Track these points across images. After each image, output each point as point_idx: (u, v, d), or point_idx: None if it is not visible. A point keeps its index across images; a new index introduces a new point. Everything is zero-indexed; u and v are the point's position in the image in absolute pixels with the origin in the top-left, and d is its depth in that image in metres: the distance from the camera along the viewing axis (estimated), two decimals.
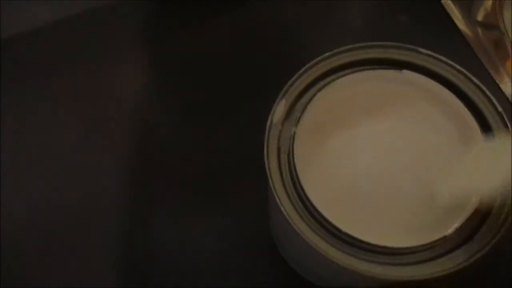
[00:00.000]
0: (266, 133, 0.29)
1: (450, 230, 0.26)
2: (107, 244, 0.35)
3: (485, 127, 0.29)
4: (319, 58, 0.30)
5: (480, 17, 0.42)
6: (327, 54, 0.30)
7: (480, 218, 0.27)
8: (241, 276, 0.35)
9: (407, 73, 0.29)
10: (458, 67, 0.29)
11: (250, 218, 0.36)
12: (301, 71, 0.30)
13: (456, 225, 0.27)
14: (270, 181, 0.28)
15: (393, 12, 0.42)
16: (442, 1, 0.42)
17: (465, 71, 0.29)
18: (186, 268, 0.35)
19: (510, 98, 0.38)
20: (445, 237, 0.26)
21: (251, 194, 0.35)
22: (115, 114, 0.39)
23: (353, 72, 0.30)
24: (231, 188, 0.37)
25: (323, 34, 0.41)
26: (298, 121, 0.29)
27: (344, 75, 0.30)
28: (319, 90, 0.29)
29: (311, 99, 0.29)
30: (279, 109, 0.29)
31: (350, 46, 0.30)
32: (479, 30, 0.41)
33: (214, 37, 0.42)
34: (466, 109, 0.29)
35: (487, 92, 0.29)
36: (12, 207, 0.36)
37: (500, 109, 0.29)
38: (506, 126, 0.29)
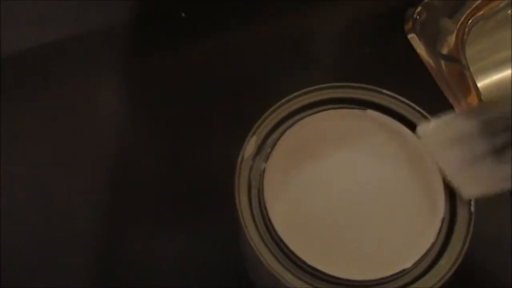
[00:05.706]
0: (237, 168, 0.30)
1: (409, 263, 0.28)
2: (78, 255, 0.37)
3: None
4: (288, 97, 0.31)
5: (444, 51, 0.44)
6: (295, 93, 0.31)
7: (438, 251, 0.29)
8: None
9: (370, 112, 0.31)
10: (416, 107, 0.31)
11: (222, 240, 0.37)
12: (271, 109, 0.31)
13: (415, 258, 0.28)
14: (239, 214, 0.29)
15: (359, 45, 0.44)
16: (409, 36, 0.44)
17: (422, 111, 0.31)
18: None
19: None
20: (404, 270, 0.28)
21: (225, 217, 0.36)
22: (93, 132, 0.41)
23: (320, 111, 0.31)
24: (205, 210, 0.38)
25: (293, 65, 0.43)
26: (268, 157, 0.30)
27: (312, 113, 0.31)
28: (289, 127, 0.31)
29: (280, 135, 0.31)
30: (250, 145, 0.30)
31: (318, 86, 0.31)
32: (443, 63, 0.43)
33: (190, 63, 0.44)
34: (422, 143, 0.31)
35: None
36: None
37: None
38: None
